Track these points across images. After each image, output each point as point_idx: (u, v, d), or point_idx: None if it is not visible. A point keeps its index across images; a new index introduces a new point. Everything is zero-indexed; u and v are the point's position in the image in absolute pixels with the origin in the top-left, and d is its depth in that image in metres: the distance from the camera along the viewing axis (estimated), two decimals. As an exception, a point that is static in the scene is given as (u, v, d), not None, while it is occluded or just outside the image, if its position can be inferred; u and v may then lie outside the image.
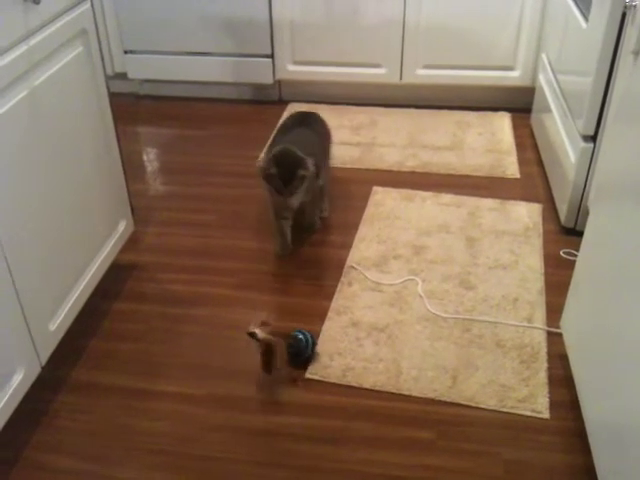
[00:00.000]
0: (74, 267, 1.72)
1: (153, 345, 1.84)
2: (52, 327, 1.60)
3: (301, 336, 1.73)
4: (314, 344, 1.76)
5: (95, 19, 1.75)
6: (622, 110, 1.41)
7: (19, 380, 1.46)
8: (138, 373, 1.75)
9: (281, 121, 2.36)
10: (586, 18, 2.09)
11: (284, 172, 1.94)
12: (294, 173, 1.94)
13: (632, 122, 1.33)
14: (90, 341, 1.85)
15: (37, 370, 1.55)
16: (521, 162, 2.63)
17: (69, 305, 1.68)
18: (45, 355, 1.58)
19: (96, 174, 1.81)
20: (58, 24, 1.56)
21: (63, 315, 1.65)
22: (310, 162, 1.97)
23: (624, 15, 1.84)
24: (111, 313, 1.95)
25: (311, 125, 2.24)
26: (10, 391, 1.43)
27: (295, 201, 2.03)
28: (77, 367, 1.77)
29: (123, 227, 1.98)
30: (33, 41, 1.46)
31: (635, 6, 1.76)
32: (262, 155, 1.97)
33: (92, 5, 1.73)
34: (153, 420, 1.62)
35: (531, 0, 2.73)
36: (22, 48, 1.42)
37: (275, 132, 2.30)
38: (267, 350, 1.67)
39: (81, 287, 1.74)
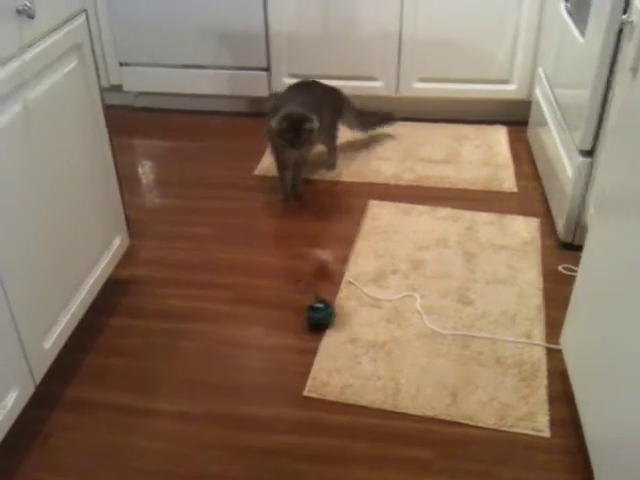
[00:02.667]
0: (69, 284, 1.70)
1: (149, 361, 1.82)
2: (47, 345, 1.58)
3: (321, 307, 1.88)
4: (330, 311, 1.90)
5: (90, 31, 1.73)
6: (621, 126, 1.41)
7: (13, 400, 1.44)
8: (134, 390, 1.73)
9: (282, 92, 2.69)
10: (583, 33, 2.09)
11: (293, 129, 2.29)
12: (301, 130, 2.29)
13: (631, 138, 1.33)
14: (86, 357, 1.83)
15: (31, 389, 1.52)
16: (518, 176, 2.63)
17: (64, 322, 1.66)
18: (39, 374, 1.55)
19: (91, 190, 1.79)
20: (52, 38, 1.54)
21: (58, 332, 1.63)
22: (315, 118, 2.32)
23: (621, 30, 1.84)
24: (107, 328, 1.93)
25: (311, 89, 2.57)
26: (4, 412, 1.41)
27: (304, 151, 2.41)
28: (72, 384, 1.75)
29: (119, 242, 1.96)
30: (27, 56, 1.44)
31: (632, 22, 1.76)
32: (273, 120, 2.35)
33: (87, 18, 1.71)
34: (149, 439, 1.60)
35: (527, 14, 2.74)
36: (16, 63, 1.40)
37: (276, 100, 2.60)
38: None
39: (76, 304, 1.72)
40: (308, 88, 2.58)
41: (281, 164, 2.48)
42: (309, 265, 1.86)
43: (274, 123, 2.32)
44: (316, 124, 2.32)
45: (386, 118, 2.86)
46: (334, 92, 2.65)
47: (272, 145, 2.45)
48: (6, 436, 1.43)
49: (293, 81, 2.95)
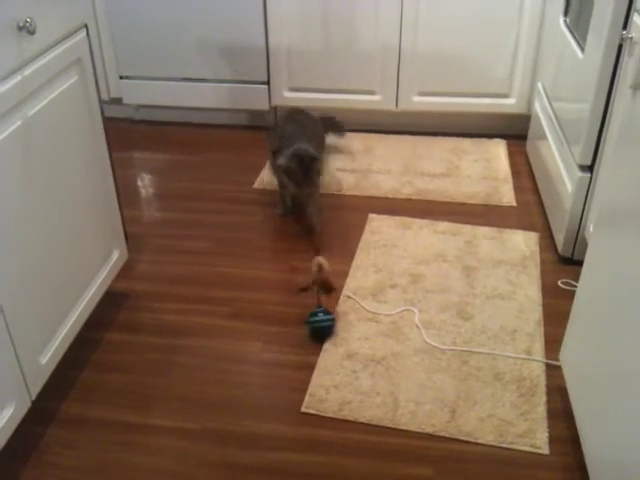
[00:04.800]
0: (66, 299, 1.69)
1: (146, 377, 1.81)
2: (43, 360, 1.57)
3: (321, 314, 1.89)
4: (333, 320, 1.92)
5: (91, 45, 1.73)
6: (622, 143, 1.40)
7: (9, 416, 1.43)
8: (130, 406, 1.72)
9: (278, 121, 2.69)
10: (582, 48, 2.09)
11: (302, 168, 2.25)
12: (310, 169, 2.25)
13: (632, 155, 1.32)
14: (82, 372, 1.82)
15: (27, 405, 1.51)
16: (517, 190, 2.63)
17: (61, 337, 1.65)
18: (35, 389, 1.54)
19: (90, 204, 1.79)
20: (53, 54, 1.54)
21: (54, 348, 1.62)
22: (321, 158, 2.31)
23: (621, 46, 1.85)
24: (103, 343, 1.92)
25: (303, 121, 2.53)
26: (-1, 427, 1.41)
27: (312, 191, 2.35)
28: (68, 399, 1.74)
29: (117, 256, 1.95)
30: (27, 71, 1.44)
31: (632, 38, 1.76)
32: (280, 157, 2.31)
33: (88, 33, 1.72)
34: (145, 456, 1.59)
35: (527, 28, 2.75)
36: (16, 78, 1.40)
37: (273, 131, 2.56)
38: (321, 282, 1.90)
39: (73, 319, 1.71)
40: (306, 120, 2.54)
41: (283, 184, 2.44)
42: (311, 273, 1.87)
43: (282, 161, 2.26)
44: (322, 165, 2.30)
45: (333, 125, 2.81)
46: (319, 123, 2.64)
47: (276, 175, 2.43)
48: (1, 452, 1.42)
49: (293, 95, 2.98)
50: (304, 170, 2.24)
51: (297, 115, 2.57)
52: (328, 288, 1.92)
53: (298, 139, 2.35)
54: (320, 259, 1.90)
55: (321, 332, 1.89)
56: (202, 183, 2.73)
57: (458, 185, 2.66)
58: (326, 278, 1.91)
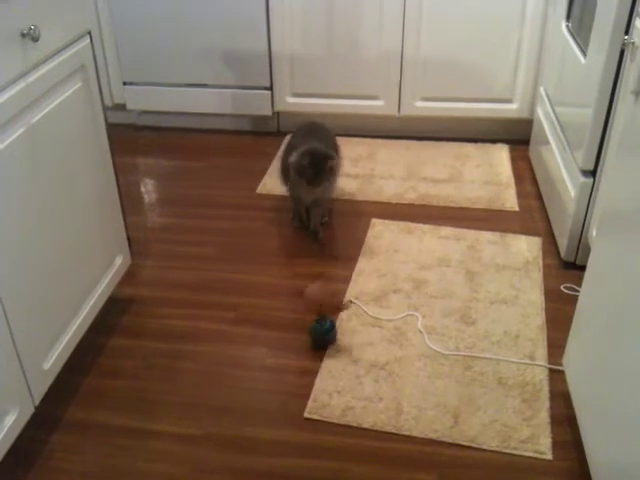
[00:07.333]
0: (69, 304, 1.70)
1: (150, 382, 1.81)
2: (46, 366, 1.57)
3: (323, 322, 1.88)
4: (334, 328, 1.91)
5: (94, 51, 1.74)
6: (624, 147, 1.41)
7: (12, 421, 1.43)
8: (134, 411, 1.72)
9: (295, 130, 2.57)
10: (584, 53, 2.10)
11: (313, 165, 2.20)
12: (321, 167, 2.20)
13: (634, 159, 1.33)
14: (85, 378, 1.82)
15: (30, 410, 1.51)
16: (520, 195, 2.63)
17: (64, 343, 1.65)
18: (39, 395, 1.55)
19: (93, 210, 1.79)
20: (57, 61, 1.55)
21: (58, 353, 1.62)
22: (336, 156, 2.27)
23: (623, 51, 1.85)
24: (107, 349, 1.92)
25: (321, 134, 2.45)
26: (2, 433, 1.40)
27: (322, 191, 2.28)
28: (72, 405, 1.74)
29: (120, 262, 1.96)
30: (31, 78, 1.45)
31: (634, 43, 1.77)
32: (292, 155, 2.27)
33: (91, 40, 1.73)
34: (149, 461, 1.59)
35: (529, 34, 2.75)
36: (20, 85, 1.41)
37: (290, 139, 2.49)
38: None
39: (76, 324, 1.71)
40: (320, 129, 2.49)
41: (296, 200, 2.41)
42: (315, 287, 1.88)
43: (294, 157, 2.23)
44: (337, 162, 2.26)
45: None
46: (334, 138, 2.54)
47: (287, 181, 2.39)
48: (5, 457, 1.42)
49: (296, 100, 2.99)
50: (316, 168, 2.19)
51: (308, 126, 2.51)
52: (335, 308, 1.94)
53: (309, 141, 2.31)
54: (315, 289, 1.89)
55: (324, 341, 1.89)
56: (205, 189, 2.74)
57: (461, 190, 2.66)
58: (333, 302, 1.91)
